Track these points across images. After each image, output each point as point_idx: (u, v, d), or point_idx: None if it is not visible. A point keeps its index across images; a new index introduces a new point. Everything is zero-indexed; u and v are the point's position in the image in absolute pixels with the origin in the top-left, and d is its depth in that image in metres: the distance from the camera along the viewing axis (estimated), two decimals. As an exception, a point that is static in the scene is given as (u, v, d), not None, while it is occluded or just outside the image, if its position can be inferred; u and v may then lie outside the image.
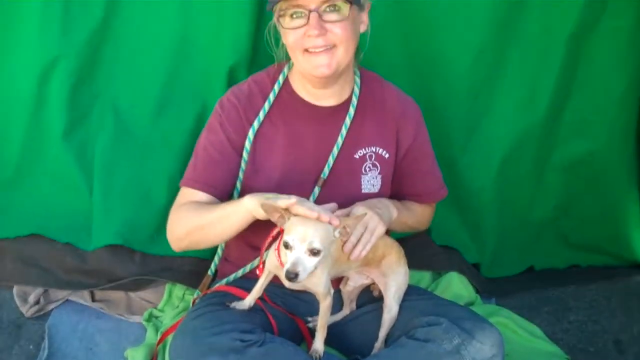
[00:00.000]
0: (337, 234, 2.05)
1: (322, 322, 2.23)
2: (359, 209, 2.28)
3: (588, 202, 3.32)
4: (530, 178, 3.25)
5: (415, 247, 2.71)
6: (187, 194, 2.41)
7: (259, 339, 2.12)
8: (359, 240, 2.22)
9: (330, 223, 2.03)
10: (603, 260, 3.45)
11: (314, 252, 1.98)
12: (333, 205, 2.25)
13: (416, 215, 2.61)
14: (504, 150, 3.14)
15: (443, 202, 2.82)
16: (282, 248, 2.07)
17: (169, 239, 2.45)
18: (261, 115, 2.41)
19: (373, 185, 2.45)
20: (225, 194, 2.44)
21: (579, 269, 3.44)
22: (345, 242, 2.20)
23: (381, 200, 2.41)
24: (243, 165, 2.41)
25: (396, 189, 2.56)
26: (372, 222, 2.25)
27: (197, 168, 2.42)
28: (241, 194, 2.42)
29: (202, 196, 2.39)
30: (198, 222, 2.32)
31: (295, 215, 2.04)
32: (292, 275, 1.95)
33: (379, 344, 2.32)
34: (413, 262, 2.51)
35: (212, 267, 2.61)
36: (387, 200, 2.44)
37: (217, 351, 2.07)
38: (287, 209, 2.04)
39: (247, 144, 2.40)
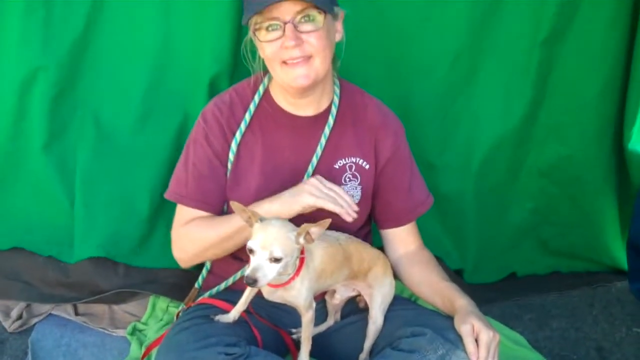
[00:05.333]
0: (301, 240, 2.04)
1: (305, 335, 2.23)
2: (471, 324, 2.15)
3: (566, 207, 3.36)
4: (506, 182, 3.28)
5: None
6: (187, 212, 2.44)
7: (244, 352, 2.11)
8: None
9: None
10: (584, 266, 3.48)
11: (275, 260, 1.98)
12: None
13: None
14: (481, 155, 3.17)
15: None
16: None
17: (181, 257, 2.48)
18: (242, 126, 2.42)
19: (352, 196, 2.43)
20: (220, 208, 2.46)
21: (560, 275, 3.47)
22: None
23: (471, 304, 2.28)
24: (228, 175, 2.42)
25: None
26: (494, 341, 2.14)
27: (189, 185, 2.43)
28: (227, 204, 2.44)
29: (202, 214, 2.43)
30: (213, 237, 2.38)
31: (261, 220, 2.04)
32: (251, 281, 1.96)
33: (364, 355, 2.31)
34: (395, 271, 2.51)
35: (200, 279, 2.61)
36: (465, 300, 2.31)
37: (202, 365, 2.07)
38: (254, 213, 2.04)
39: (231, 156, 2.41)
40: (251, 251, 1.99)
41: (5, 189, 2.92)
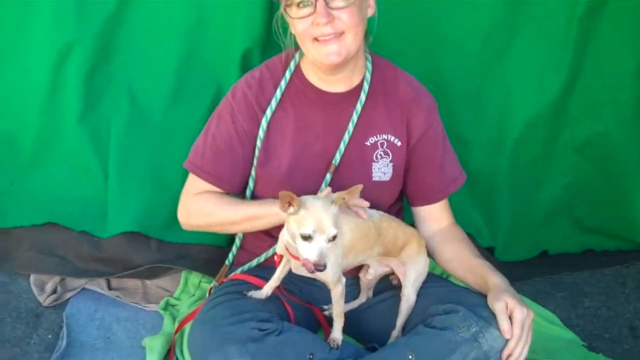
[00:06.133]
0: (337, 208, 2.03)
1: (337, 311, 2.23)
2: (504, 301, 2.13)
3: (600, 184, 3.31)
4: (540, 159, 3.24)
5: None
6: (200, 184, 2.46)
7: (277, 327, 2.13)
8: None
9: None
10: (616, 244, 3.44)
11: (333, 238, 1.98)
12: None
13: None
14: (515, 130, 3.14)
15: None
16: (286, 235, 2.07)
17: (182, 221, 2.53)
18: (273, 103, 2.41)
19: (384, 173, 2.44)
20: (232, 187, 2.48)
21: (593, 254, 3.43)
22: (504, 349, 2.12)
23: (505, 282, 2.27)
24: (257, 152, 2.42)
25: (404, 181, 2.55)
26: (528, 319, 2.13)
27: (205, 156, 2.45)
28: (256, 182, 2.45)
29: (214, 189, 2.45)
30: (222, 217, 2.42)
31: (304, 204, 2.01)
32: (322, 268, 1.94)
33: (396, 332, 2.32)
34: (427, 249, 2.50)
35: (230, 257, 2.62)
36: (498, 277, 2.30)
37: (236, 340, 2.08)
38: (295, 200, 1.98)
39: (261, 133, 2.41)
40: (307, 238, 1.97)
41: (40, 163, 2.95)
